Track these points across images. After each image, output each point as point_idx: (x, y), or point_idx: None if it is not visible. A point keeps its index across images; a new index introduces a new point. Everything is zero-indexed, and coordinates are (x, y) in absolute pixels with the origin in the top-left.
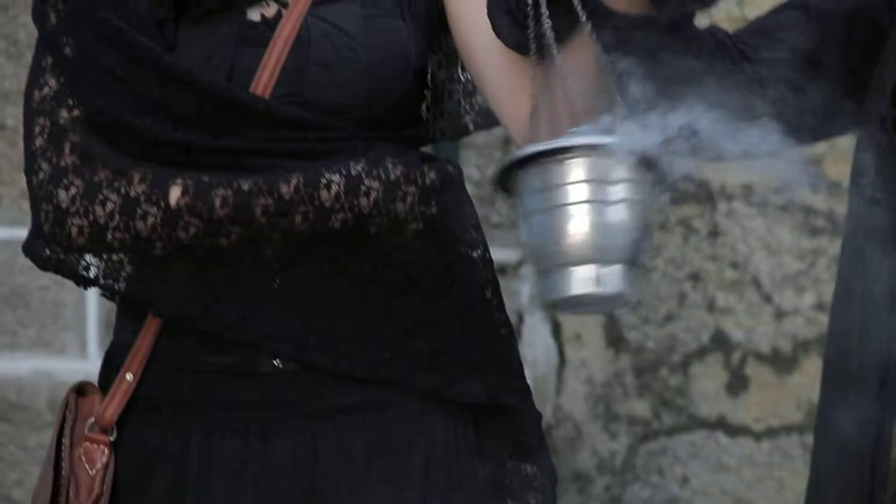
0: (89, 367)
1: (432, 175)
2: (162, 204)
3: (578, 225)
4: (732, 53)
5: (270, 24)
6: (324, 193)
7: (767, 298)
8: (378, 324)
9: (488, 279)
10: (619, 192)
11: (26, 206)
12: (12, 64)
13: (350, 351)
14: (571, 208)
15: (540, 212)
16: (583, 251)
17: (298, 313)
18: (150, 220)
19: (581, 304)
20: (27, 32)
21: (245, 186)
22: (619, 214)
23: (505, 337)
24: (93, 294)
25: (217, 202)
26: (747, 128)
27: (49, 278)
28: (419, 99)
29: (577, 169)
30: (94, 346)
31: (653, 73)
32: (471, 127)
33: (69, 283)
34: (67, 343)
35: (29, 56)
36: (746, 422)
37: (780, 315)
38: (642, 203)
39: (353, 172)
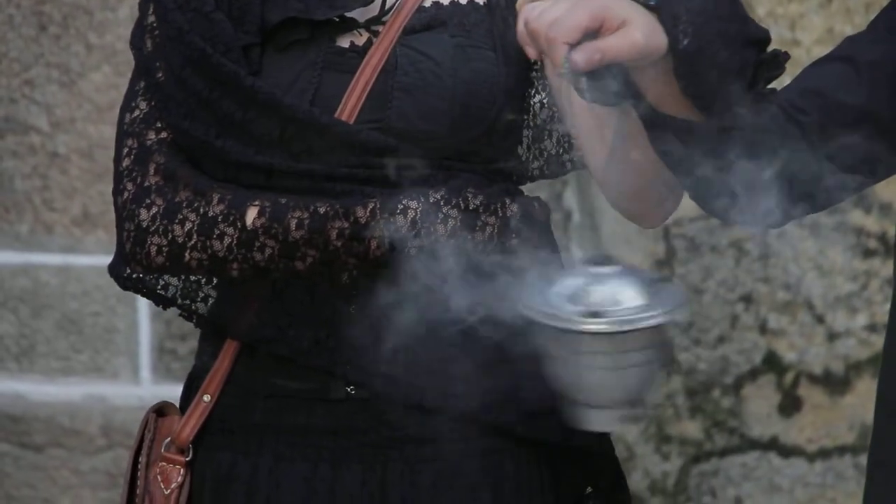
0: (142, 392)
1: (514, 208)
2: (239, 224)
3: (596, 380)
4: (781, 119)
5: (359, 52)
6: (400, 219)
7: (820, 320)
8: (453, 358)
9: None
10: (637, 358)
11: (78, 232)
12: (64, 92)
13: (423, 383)
14: (595, 370)
15: (567, 362)
16: (600, 398)
17: (372, 342)
18: (227, 240)
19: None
20: (79, 61)
21: (321, 209)
22: (634, 377)
23: None
24: (145, 320)
25: (293, 224)
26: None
27: (101, 304)
28: (510, 133)
29: (601, 342)
30: (146, 371)
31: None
32: (568, 166)
33: (121, 309)
34: (120, 368)
35: (80, 84)
36: (799, 442)
37: (832, 336)
38: (656, 362)
39: (432, 199)
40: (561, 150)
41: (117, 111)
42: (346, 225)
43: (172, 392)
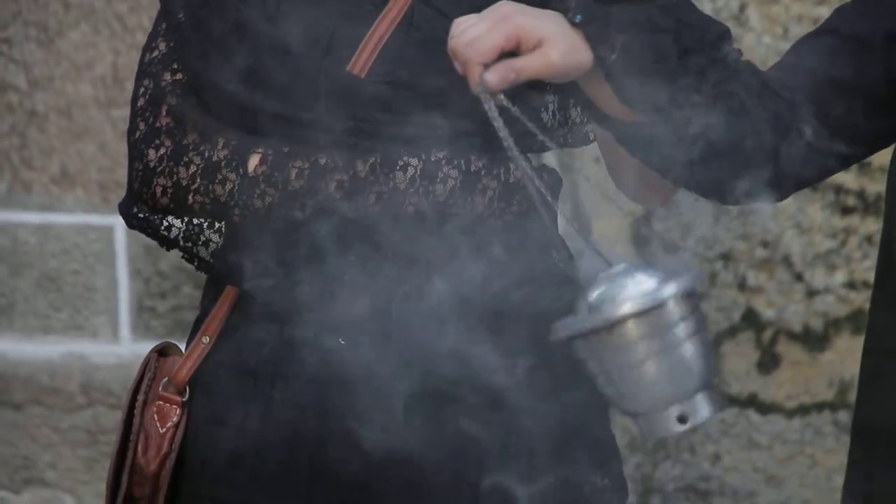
0: (122, 350)
1: (518, 174)
2: (240, 170)
3: (655, 373)
4: (764, 94)
5: (377, 4)
6: (399, 175)
7: (798, 277)
8: (444, 323)
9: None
10: (683, 330)
11: (57, 191)
12: (42, 51)
13: (412, 351)
14: (647, 361)
15: (619, 368)
16: (667, 394)
17: (366, 300)
18: (229, 185)
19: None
20: (57, 20)
21: (322, 161)
22: (688, 350)
23: None
24: (124, 278)
25: (293, 174)
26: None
27: (80, 262)
28: (529, 97)
29: (642, 326)
30: (125, 329)
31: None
32: (591, 137)
33: (100, 268)
34: (99, 326)
35: (58, 43)
36: (778, 399)
37: (811, 293)
38: (702, 328)
39: (433, 158)
40: (585, 120)
41: (95, 69)
42: (346, 178)
43: None
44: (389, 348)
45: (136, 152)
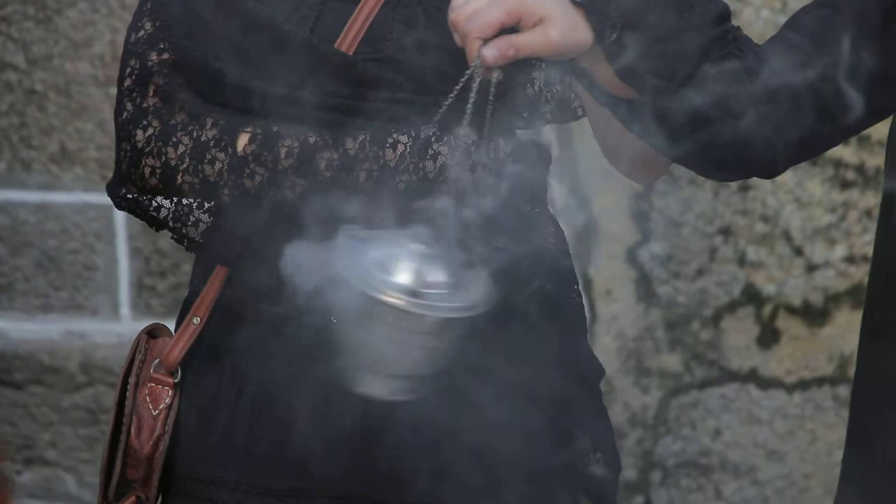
0: (122, 328)
1: (507, 149)
2: (230, 150)
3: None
4: (762, 71)
5: None
6: (389, 153)
7: (798, 251)
8: None
9: (567, 272)
10: (426, 341)
11: (56, 170)
12: (40, 29)
13: None
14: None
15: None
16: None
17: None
18: (218, 165)
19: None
20: None
21: (311, 139)
22: (418, 356)
23: (578, 324)
24: (124, 257)
25: (282, 153)
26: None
27: (80, 241)
28: (517, 74)
29: (399, 317)
30: (126, 308)
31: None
32: (579, 112)
33: (100, 246)
34: (99, 305)
35: (57, 21)
36: (778, 374)
37: (810, 268)
38: (441, 350)
39: (423, 135)
40: (572, 95)
41: (94, 48)
42: (335, 155)
43: None
44: None
45: (123, 133)
